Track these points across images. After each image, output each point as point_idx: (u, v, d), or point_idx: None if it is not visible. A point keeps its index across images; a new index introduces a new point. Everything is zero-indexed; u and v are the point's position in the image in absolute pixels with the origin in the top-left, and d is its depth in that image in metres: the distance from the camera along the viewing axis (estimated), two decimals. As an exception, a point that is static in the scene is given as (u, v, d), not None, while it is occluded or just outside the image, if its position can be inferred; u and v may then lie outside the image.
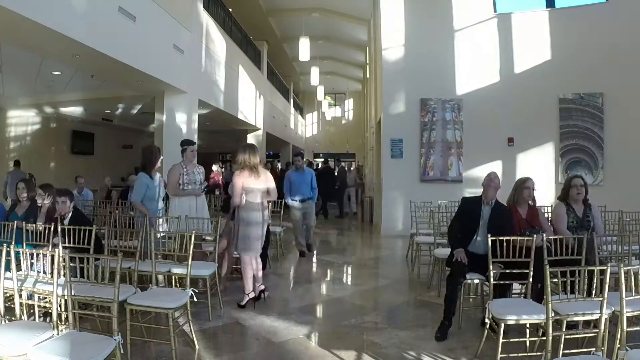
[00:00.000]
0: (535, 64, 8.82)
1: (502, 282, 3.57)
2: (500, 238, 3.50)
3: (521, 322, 3.01)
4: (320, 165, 13.79)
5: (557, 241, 3.48)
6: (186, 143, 5.21)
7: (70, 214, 4.20)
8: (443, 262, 4.70)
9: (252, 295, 4.40)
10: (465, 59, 9.07)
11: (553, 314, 2.57)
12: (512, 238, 3.51)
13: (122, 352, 2.57)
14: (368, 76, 16.36)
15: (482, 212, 3.87)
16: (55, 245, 3.69)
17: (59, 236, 3.80)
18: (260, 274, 4.50)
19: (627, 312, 2.43)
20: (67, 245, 3.78)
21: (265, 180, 4.42)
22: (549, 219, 4.84)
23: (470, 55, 9.05)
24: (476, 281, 3.84)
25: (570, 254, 3.45)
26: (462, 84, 9.07)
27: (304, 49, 12.42)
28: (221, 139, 18.01)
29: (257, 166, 4.38)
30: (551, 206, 6.36)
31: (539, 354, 3.05)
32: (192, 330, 3.46)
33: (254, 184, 4.35)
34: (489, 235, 3.49)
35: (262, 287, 4.50)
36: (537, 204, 4.41)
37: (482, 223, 3.85)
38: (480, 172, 4.71)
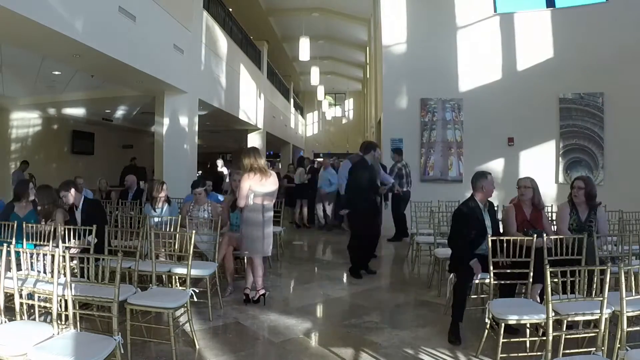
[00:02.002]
0: (535, 63, 8.83)
1: (502, 282, 3.57)
2: (501, 238, 3.52)
3: (521, 322, 3.01)
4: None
5: (557, 241, 3.48)
6: (193, 185, 5.40)
7: (81, 203, 4.48)
8: (443, 262, 4.70)
9: (246, 291, 4.45)
10: (465, 58, 9.07)
11: (553, 314, 2.57)
12: (512, 238, 3.53)
13: (122, 352, 2.57)
14: (368, 76, 16.38)
15: (484, 215, 3.88)
16: (56, 246, 3.70)
17: (59, 237, 3.80)
18: (260, 280, 4.49)
19: (627, 312, 2.43)
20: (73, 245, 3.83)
21: (274, 183, 4.45)
22: (552, 219, 4.86)
23: (470, 55, 9.05)
24: (476, 281, 3.84)
25: (570, 254, 3.46)
26: (462, 83, 9.08)
27: (304, 49, 12.42)
28: (221, 139, 18.02)
29: (265, 168, 4.41)
30: (551, 206, 6.37)
31: (539, 353, 3.05)
32: (193, 330, 3.46)
33: (262, 187, 4.35)
34: (489, 235, 3.50)
35: (263, 291, 4.49)
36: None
37: (487, 226, 3.84)
38: (481, 172, 4.84)
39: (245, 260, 4.62)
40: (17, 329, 2.62)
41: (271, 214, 4.54)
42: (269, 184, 4.39)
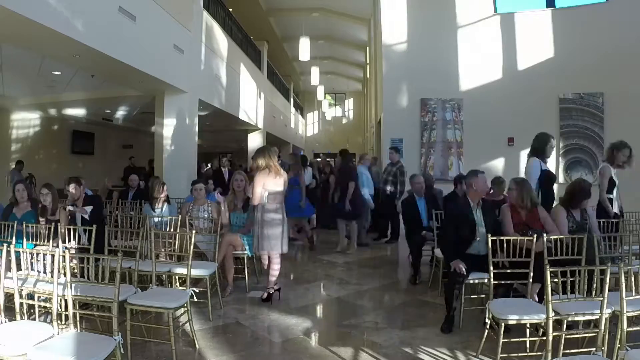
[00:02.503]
0: (535, 63, 8.84)
1: (502, 282, 3.57)
2: (501, 238, 3.51)
3: (522, 322, 3.01)
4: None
5: (557, 241, 3.48)
6: (193, 182, 5.44)
7: (82, 197, 4.67)
8: (444, 262, 4.70)
9: (271, 291, 4.47)
10: (465, 58, 9.09)
11: (553, 314, 2.57)
12: (512, 238, 3.52)
13: (122, 351, 2.57)
14: (368, 76, 16.38)
15: (475, 213, 3.88)
16: (56, 245, 3.70)
17: (59, 237, 3.80)
18: (273, 278, 4.50)
19: (627, 312, 2.43)
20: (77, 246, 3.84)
21: (284, 183, 4.45)
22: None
23: (471, 55, 9.07)
24: (477, 281, 3.84)
25: (570, 254, 3.46)
26: (462, 83, 9.09)
27: (304, 49, 12.43)
28: (221, 139, 18.02)
29: (279, 167, 4.41)
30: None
31: (539, 353, 3.05)
32: (193, 330, 3.46)
33: (276, 186, 4.35)
34: (489, 235, 3.50)
35: (272, 290, 4.51)
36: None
37: (477, 224, 3.85)
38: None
39: (263, 260, 4.62)
40: (17, 329, 2.61)
41: (283, 212, 4.50)
42: (282, 183, 4.41)
